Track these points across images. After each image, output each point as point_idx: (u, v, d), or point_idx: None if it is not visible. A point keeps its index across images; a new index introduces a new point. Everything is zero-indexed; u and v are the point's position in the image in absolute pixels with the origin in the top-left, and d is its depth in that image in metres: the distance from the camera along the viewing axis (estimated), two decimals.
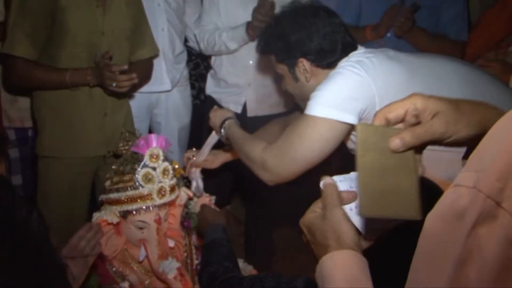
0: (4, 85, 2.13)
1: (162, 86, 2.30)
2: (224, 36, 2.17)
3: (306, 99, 1.37)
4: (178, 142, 2.41)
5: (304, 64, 1.45)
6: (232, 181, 2.49)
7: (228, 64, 2.29)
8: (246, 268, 1.49)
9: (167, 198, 1.31)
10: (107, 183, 1.34)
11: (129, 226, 1.30)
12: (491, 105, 0.64)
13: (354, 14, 2.15)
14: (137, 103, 2.28)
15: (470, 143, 0.62)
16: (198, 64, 2.59)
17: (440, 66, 1.41)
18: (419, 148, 0.65)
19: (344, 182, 0.76)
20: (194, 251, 1.45)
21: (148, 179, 1.28)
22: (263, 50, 1.57)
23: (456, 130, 0.60)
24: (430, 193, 0.50)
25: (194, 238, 1.48)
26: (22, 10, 1.73)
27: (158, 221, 1.30)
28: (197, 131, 2.48)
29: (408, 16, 1.96)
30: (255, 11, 2.04)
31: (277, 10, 1.88)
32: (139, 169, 1.28)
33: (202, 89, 2.53)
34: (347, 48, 1.43)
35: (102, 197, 1.34)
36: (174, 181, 1.34)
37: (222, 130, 1.59)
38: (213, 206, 1.50)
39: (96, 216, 1.30)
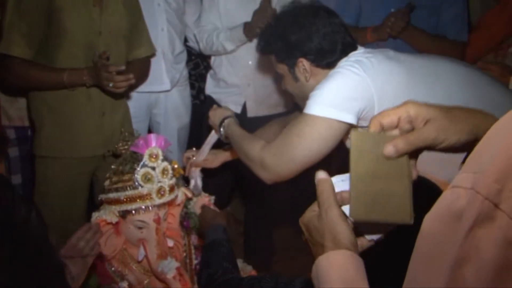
0: (3, 84, 2.13)
1: (161, 86, 2.30)
2: (221, 36, 2.17)
3: (305, 98, 1.38)
4: (177, 142, 2.42)
5: (304, 64, 1.45)
6: (232, 181, 2.49)
7: (227, 64, 2.29)
8: (245, 268, 1.49)
9: (166, 198, 1.31)
10: (107, 182, 1.34)
11: (128, 226, 1.30)
12: (484, 111, 0.66)
13: (354, 14, 2.14)
14: (137, 103, 2.27)
15: (462, 149, 0.63)
16: (198, 64, 2.59)
17: (439, 66, 1.41)
18: (413, 154, 0.66)
19: (346, 182, 0.76)
20: (193, 251, 1.45)
21: (147, 178, 1.28)
22: (263, 50, 1.57)
23: (447, 136, 0.63)
24: (430, 193, 0.50)
25: (193, 238, 1.48)
26: (18, 10, 1.72)
27: (157, 221, 1.30)
28: (196, 131, 2.48)
29: (400, 17, 1.96)
30: (256, 14, 2.04)
31: (277, 10, 1.88)
32: (138, 169, 1.28)
33: (201, 89, 2.53)
34: (347, 48, 1.43)
35: (102, 196, 1.34)
36: (173, 181, 1.34)
37: (221, 129, 1.60)
38: (212, 206, 1.50)
39: (95, 215, 1.30)
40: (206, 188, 1.73)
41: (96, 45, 1.82)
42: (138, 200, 1.28)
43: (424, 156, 0.69)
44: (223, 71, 2.31)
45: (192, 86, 2.56)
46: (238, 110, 2.27)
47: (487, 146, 0.46)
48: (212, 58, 2.36)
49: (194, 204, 1.49)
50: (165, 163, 1.32)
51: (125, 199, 1.28)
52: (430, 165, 0.76)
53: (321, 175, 0.70)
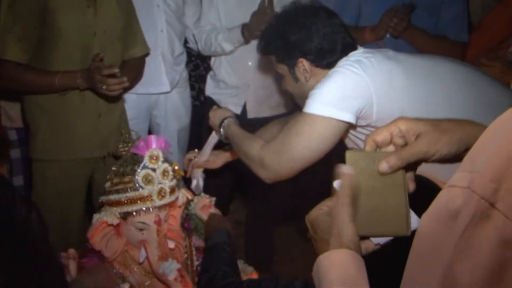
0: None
1: (161, 88, 2.30)
2: (220, 37, 2.18)
3: (305, 98, 1.38)
4: (177, 143, 2.42)
5: (304, 64, 1.45)
6: (232, 181, 2.49)
7: (227, 65, 2.30)
8: (246, 269, 1.48)
9: (167, 199, 1.31)
10: (107, 184, 1.34)
11: (129, 228, 1.30)
12: (473, 122, 0.69)
13: (354, 14, 2.15)
14: (136, 104, 2.28)
15: (455, 160, 0.65)
16: (198, 65, 2.59)
17: (439, 67, 1.41)
18: (412, 167, 0.70)
19: None
20: (194, 252, 1.45)
21: (148, 180, 1.28)
22: (264, 50, 1.57)
23: (438, 148, 0.66)
24: (430, 193, 0.50)
25: (194, 239, 1.48)
26: (12, 13, 1.71)
27: (158, 222, 1.30)
28: (197, 132, 2.48)
29: (402, 17, 1.96)
30: (254, 16, 2.05)
31: (278, 10, 1.89)
32: (139, 170, 1.28)
33: (202, 90, 2.53)
34: (347, 49, 1.43)
35: (102, 198, 1.34)
36: (174, 182, 1.34)
37: (221, 129, 1.60)
38: (213, 208, 1.50)
39: (96, 217, 1.30)
40: (207, 188, 1.73)
41: (91, 46, 1.81)
42: (139, 201, 1.28)
43: None
44: (223, 72, 2.31)
45: (192, 87, 2.56)
46: (238, 111, 2.27)
47: (483, 146, 0.46)
48: (212, 59, 2.37)
49: (195, 205, 1.49)
50: (166, 165, 1.32)
51: (126, 201, 1.28)
52: (430, 165, 0.76)
53: (346, 169, 0.70)
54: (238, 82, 2.30)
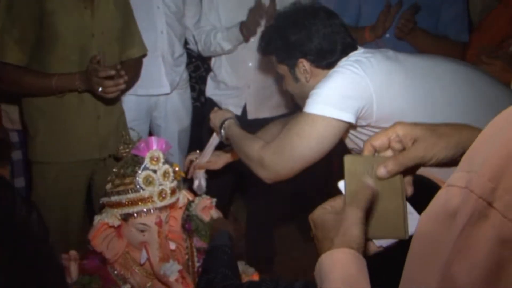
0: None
1: (161, 89, 2.30)
2: (219, 36, 2.18)
3: (306, 99, 1.38)
4: (178, 145, 2.42)
5: (304, 64, 1.46)
6: (233, 182, 2.49)
7: (227, 66, 2.30)
8: (247, 270, 1.48)
9: (168, 200, 1.31)
10: (108, 186, 1.34)
11: (130, 229, 1.30)
12: (470, 126, 0.70)
13: (354, 14, 2.15)
14: (136, 105, 2.28)
15: (452, 164, 0.65)
16: (199, 67, 2.60)
17: (438, 66, 1.41)
18: (410, 171, 0.71)
19: None
20: (195, 253, 1.45)
21: (148, 181, 1.28)
22: (264, 51, 1.58)
23: (435, 152, 0.67)
24: (430, 192, 0.50)
25: (195, 240, 1.48)
26: (9, 16, 1.71)
27: (159, 224, 1.30)
28: (197, 133, 2.48)
29: (408, 18, 1.96)
30: (250, 12, 2.05)
31: (278, 10, 1.89)
32: (139, 172, 1.28)
33: (202, 92, 2.53)
34: (347, 49, 1.43)
35: (103, 200, 1.34)
36: (174, 183, 1.34)
37: (222, 131, 1.60)
38: (214, 209, 1.50)
39: (97, 219, 1.30)
40: (209, 189, 1.74)
41: (89, 47, 1.82)
42: (139, 203, 1.28)
43: None
44: (223, 73, 2.31)
45: (192, 89, 2.56)
46: (238, 112, 2.27)
47: (481, 145, 0.46)
48: (212, 60, 2.37)
49: (196, 206, 1.49)
50: (166, 166, 1.32)
51: (126, 202, 1.28)
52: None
53: (370, 181, 0.70)
54: (238, 83, 2.30)
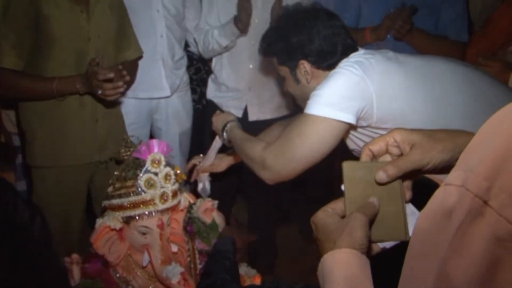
0: None
1: (161, 92, 2.31)
2: (215, 34, 2.19)
3: (307, 100, 1.39)
4: (179, 147, 2.42)
5: (305, 66, 1.46)
6: (236, 184, 2.49)
7: (228, 68, 2.30)
8: (249, 272, 1.49)
9: (170, 203, 1.31)
10: (110, 189, 1.34)
11: (132, 232, 1.31)
12: (467, 131, 0.71)
13: (354, 15, 2.15)
14: (137, 108, 2.28)
15: (449, 169, 0.66)
16: (200, 69, 2.60)
17: (438, 67, 1.42)
18: (410, 176, 0.73)
19: None
20: (197, 255, 1.45)
21: (150, 184, 1.28)
22: (265, 52, 1.58)
23: (431, 157, 0.68)
24: (430, 192, 0.50)
25: (197, 242, 1.48)
26: (6, 21, 1.71)
27: (161, 226, 1.30)
28: (199, 136, 2.48)
29: (405, 19, 1.96)
30: (238, 3, 2.08)
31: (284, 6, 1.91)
32: (141, 175, 1.28)
33: (203, 94, 2.53)
34: (348, 50, 1.44)
35: (105, 203, 1.34)
36: (176, 186, 1.34)
37: (224, 133, 1.61)
38: (216, 211, 1.51)
39: (99, 222, 1.30)
40: (212, 192, 1.75)
41: (85, 51, 1.82)
42: (141, 205, 1.28)
43: None
44: (224, 75, 2.31)
45: (193, 91, 2.56)
46: (239, 114, 2.28)
47: (478, 144, 0.46)
48: (213, 62, 2.37)
49: (197, 208, 1.49)
50: (168, 169, 1.32)
51: (128, 205, 1.28)
52: None
53: (375, 200, 0.72)
54: (239, 85, 2.30)
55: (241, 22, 2.09)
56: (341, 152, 1.42)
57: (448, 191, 0.45)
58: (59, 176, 1.90)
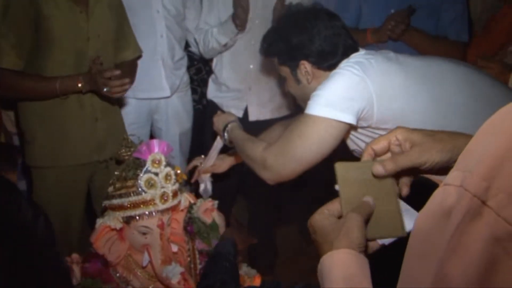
0: None
1: (161, 93, 2.31)
2: (214, 32, 2.19)
3: (307, 100, 1.39)
4: (179, 148, 2.42)
5: (305, 66, 1.46)
6: (236, 184, 2.49)
7: (229, 68, 2.30)
8: (249, 272, 1.49)
9: (170, 203, 1.31)
10: (110, 189, 1.34)
11: (132, 232, 1.31)
12: (466, 134, 0.72)
13: (354, 15, 2.15)
14: (137, 108, 2.28)
15: (447, 171, 0.66)
16: (200, 69, 2.60)
17: (438, 67, 1.42)
18: (405, 173, 0.74)
19: None
20: (197, 255, 1.45)
21: (150, 184, 1.28)
22: (266, 53, 1.59)
23: (430, 156, 0.69)
24: (429, 192, 0.51)
25: (197, 242, 1.48)
26: (6, 21, 1.71)
27: (161, 226, 1.30)
28: (200, 136, 2.48)
29: (400, 20, 1.96)
30: (234, 1, 2.08)
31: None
32: (141, 175, 1.28)
33: (204, 94, 2.53)
34: (348, 51, 1.44)
35: (105, 203, 1.34)
36: (176, 186, 1.34)
37: (225, 134, 1.62)
38: (216, 211, 1.51)
39: (99, 222, 1.30)
40: (213, 192, 1.75)
41: (85, 51, 1.82)
42: (141, 205, 1.29)
43: None
44: (224, 76, 2.31)
45: (194, 91, 2.56)
46: (240, 114, 2.28)
47: (476, 145, 0.46)
48: (214, 62, 2.37)
49: (198, 209, 1.49)
50: (168, 169, 1.32)
51: (128, 205, 1.29)
52: None
53: (369, 200, 0.74)
54: (239, 85, 2.30)
55: (239, 18, 2.09)
56: (341, 152, 1.42)
57: (447, 191, 0.45)
58: (59, 176, 1.90)
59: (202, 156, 1.82)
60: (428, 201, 0.48)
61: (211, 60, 2.41)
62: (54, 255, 0.78)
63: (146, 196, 1.28)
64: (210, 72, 2.49)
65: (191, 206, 1.46)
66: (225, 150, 1.78)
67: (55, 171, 1.90)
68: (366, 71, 1.33)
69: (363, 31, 2.08)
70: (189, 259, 1.42)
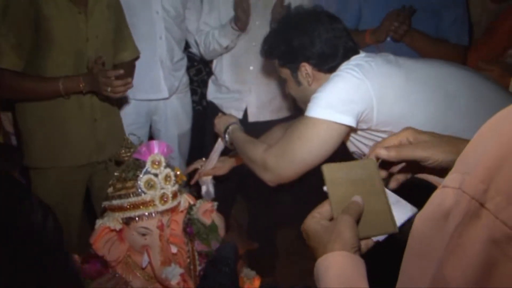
0: None
1: (159, 94, 2.31)
2: (216, 34, 2.19)
3: (308, 102, 1.39)
4: (178, 149, 2.42)
5: (306, 68, 1.47)
6: (236, 186, 2.49)
7: (229, 69, 2.30)
8: (249, 274, 1.49)
9: (170, 204, 1.31)
10: (110, 189, 1.34)
11: (132, 233, 1.31)
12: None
13: (354, 17, 2.15)
14: (135, 110, 2.28)
15: (447, 172, 0.67)
16: (201, 70, 2.60)
17: (438, 70, 1.42)
18: (407, 169, 0.75)
19: None
20: (197, 257, 1.45)
21: (150, 185, 1.28)
22: (267, 54, 1.59)
23: (434, 153, 0.71)
24: (427, 194, 0.51)
25: (196, 244, 1.48)
26: (5, 21, 1.71)
27: (161, 228, 1.30)
28: (199, 137, 2.48)
29: (402, 20, 1.96)
30: (235, 2, 2.08)
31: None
32: (141, 176, 1.28)
33: (204, 95, 2.53)
34: (349, 53, 1.44)
35: (105, 203, 1.34)
36: (176, 187, 1.34)
37: (226, 136, 1.62)
38: (215, 212, 1.51)
39: (99, 223, 1.30)
40: (214, 194, 1.75)
41: (84, 52, 1.82)
42: (141, 206, 1.28)
43: None
44: (224, 77, 2.32)
45: (194, 92, 2.56)
46: (239, 115, 2.28)
47: (475, 147, 0.47)
48: (214, 63, 2.37)
49: (197, 210, 1.49)
50: (168, 170, 1.32)
51: (128, 206, 1.29)
52: None
53: (359, 199, 0.74)
54: (239, 86, 2.30)
55: (240, 20, 2.09)
56: (341, 154, 1.42)
57: (445, 193, 0.45)
58: (58, 177, 1.90)
59: (203, 158, 1.82)
60: (427, 202, 0.48)
61: (211, 61, 2.41)
62: (64, 255, 0.78)
63: (146, 197, 1.28)
64: (210, 73, 2.49)
65: (190, 207, 1.46)
66: (225, 152, 1.78)
67: (54, 172, 1.90)
68: (366, 74, 1.33)
69: (362, 32, 2.09)
70: (188, 260, 1.42)
